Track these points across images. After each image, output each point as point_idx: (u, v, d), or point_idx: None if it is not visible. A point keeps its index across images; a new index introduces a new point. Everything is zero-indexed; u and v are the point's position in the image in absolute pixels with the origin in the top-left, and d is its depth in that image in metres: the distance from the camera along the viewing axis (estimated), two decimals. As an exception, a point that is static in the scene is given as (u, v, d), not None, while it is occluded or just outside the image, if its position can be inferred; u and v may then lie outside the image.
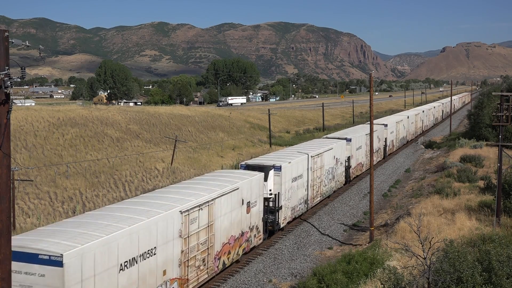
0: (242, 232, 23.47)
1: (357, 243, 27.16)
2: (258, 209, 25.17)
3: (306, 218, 32.21)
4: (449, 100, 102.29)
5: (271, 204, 27.00)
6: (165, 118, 75.06)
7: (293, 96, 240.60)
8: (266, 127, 79.36)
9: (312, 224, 31.16)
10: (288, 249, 26.68)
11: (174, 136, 57.74)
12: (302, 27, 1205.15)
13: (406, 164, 54.41)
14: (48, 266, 13.16)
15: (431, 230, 21.71)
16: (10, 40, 8.41)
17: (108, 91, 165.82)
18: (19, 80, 8.59)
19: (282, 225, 28.12)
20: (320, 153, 33.77)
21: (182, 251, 18.37)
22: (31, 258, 13.23)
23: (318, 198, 34.05)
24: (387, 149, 55.14)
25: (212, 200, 20.48)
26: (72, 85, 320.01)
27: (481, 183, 33.95)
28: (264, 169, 26.82)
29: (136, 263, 15.81)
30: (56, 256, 13.15)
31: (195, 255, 19.35)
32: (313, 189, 32.72)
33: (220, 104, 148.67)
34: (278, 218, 27.42)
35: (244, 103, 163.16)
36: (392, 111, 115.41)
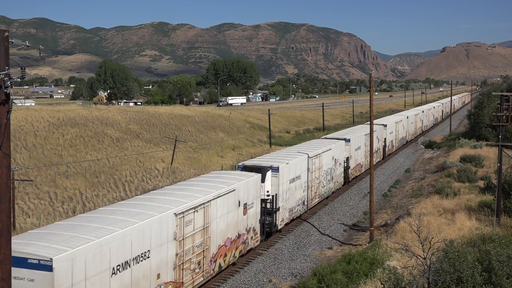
0: (238, 234, 23.15)
1: (357, 243, 27.16)
2: (255, 211, 24.85)
3: (306, 218, 32.21)
4: (449, 100, 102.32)
5: (268, 205, 26.71)
6: (165, 118, 75.06)
7: (293, 96, 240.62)
8: (266, 127, 79.37)
9: (312, 224, 31.15)
10: (288, 249, 26.68)
11: (174, 136, 57.74)
12: (302, 27, 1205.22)
13: (406, 164, 54.41)
14: (37, 271, 12.83)
15: (431, 230, 21.71)
16: (10, 40, 8.41)
17: (108, 91, 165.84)
18: (19, 80, 8.59)
19: (279, 227, 27.85)
20: (319, 154, 33.52)
21: (176, 254, 18.07)
22: (20, 262, 12.78)
23: (317, 199, 33.83)
24: (386, 150, 54.95)
25: (208, 202, 20.18)
26: (72, 85, 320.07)
27: (481, 183, 33.96)
28: (261, 170, 26.54)
29: (129, 266, 15.52)
30: (45, 260, 12.81)
31: (190, 258, 19.06)
32: (311, 190, 32.47)
33: (220, 104, 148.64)
34: (276, 219, 27.12)
35: (244, 103, 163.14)
36: (392, 111, 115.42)
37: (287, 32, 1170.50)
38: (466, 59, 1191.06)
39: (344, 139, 40.57)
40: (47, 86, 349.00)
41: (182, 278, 18.56)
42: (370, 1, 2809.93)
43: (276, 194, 27.03)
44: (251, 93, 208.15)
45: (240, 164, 28.45)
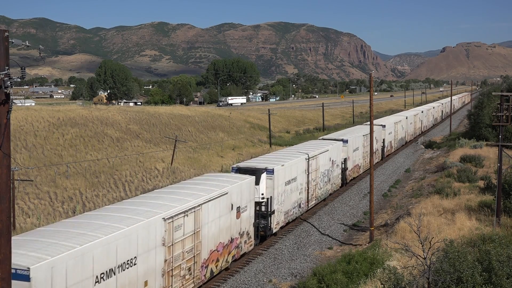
0: (231, 238, 22.52)
1: (357, 243, 27.16)
2: (248, 214, 24.23)
3: (306, 218, 32.20)
4: (449, 100, 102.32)
5: (263, 208, 26.15)
6: (165, 118, 75.07)
7: (293, 96, 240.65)
8: (266, 127, 79.37)
9: (312, 224, 31.15)
10: (288, 249, 26.68)
11: (174, 136, 57.75)
12: (302, 27, 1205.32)
13: (406, 164, 54.41)
14: (14, 281, 12.06)
15: (431, 230, 21.72)
16: (10, 40, 8.41)
17: (108, 91, 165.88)
18: (19, 80, 8.58)
19: (274, 230, 27.29)
20: (315, 155, 32.98)
21: (165, 260, 17.49)
22: None
23: (313, 202, 33.30)
24: (385, 150, 54.46)
25: (199, 206, 19.57)
26: (72, 85, 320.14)
27: (481, 183, 33.96)
28: (256, 172, 26.02)
29: (114, 274, 14.93)
30: (22, 269, 12.20)
31: (180, 264, 18.45)
32: (307, 193, 31.93)
33: (220, 104, 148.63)
34: (271, 223, 26.56)
35: (244, 103, 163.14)
36: (392, 111, 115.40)
37: (287, 32, 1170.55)
38: (466, 59, 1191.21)
39: (342, 140, 40.05)
40: (47, 86, 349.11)
41: (171, 285, 17.99)
42: (370, 1, 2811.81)
43: (271, 196, 26.48)
44: (251, 93, 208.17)
45: (234, 166, 27.79)
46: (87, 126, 60.90)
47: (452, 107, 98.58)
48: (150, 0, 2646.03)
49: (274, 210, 26.79)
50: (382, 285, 15.54)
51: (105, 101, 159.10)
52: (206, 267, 20.47)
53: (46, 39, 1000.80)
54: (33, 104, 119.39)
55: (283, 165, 27.80)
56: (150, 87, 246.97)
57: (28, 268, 12.23)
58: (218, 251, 21.40)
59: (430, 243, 15.09)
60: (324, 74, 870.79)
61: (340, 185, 39.20)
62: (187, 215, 18.75)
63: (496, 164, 28.25)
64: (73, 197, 39.08)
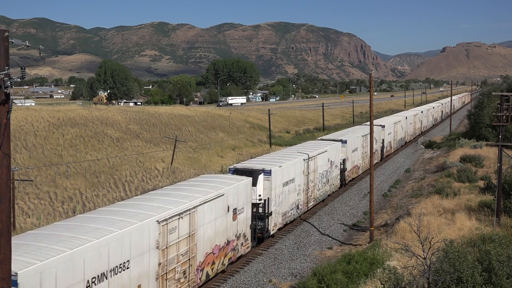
0: (227, 240, 22.20)
1: (357, 243, 27.17)
2: (245, 216, 23.87)
3: (306, 218, 32.19)
4: (449, 100, 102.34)
5: (260, 210, 25.82)
6: (165, 118, 75.07)
7: (293, 96, 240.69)
8: (266, 127, 79.38)
9: (312, 224, 31.15)
10: (288, 249, 26.68)
11: (174, 136, 57.75)
12: (302, 27, 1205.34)
13: (406, 164, 54.41)
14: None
15: (431, 230, 21.72)
16: (10, 40, 8.41)
17: (108, 91, 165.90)
18: (19, 80, 8.58)
19: (272, 232, 26.96)
20: (314, 156, 32.62)
21: (159, 264, 17.17)
22: None
23: (312, 203, 32.97)
24: (385, 151, 54.14)
25: (194, 208, 19.21)
26: (72, 85, 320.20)
27: (481, 183, 33.97)
28: (253, 173, 25.75)
29: (106, 278, 14.63)
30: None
31: (175, 267, 18.11)
32: (306, 194, 31.59)
33: (220, 104, 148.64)
34: (268, 224, 26.30)
35: (244, 103, 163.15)
36: (392, 111, 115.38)
37: (287, 32, 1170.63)
38: (466, 59, 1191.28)
39: (341, 141, 39.71)
40: (47, 86, 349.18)
41: None
42: (370, 1, 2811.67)
43: (268, 198, 26.15)
44: (251, 93, 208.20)
45: (231, 167, 27.47)
46: (87, 126, 60.91)
47: (452, 107, 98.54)
48: (150, 0, 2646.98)
49: (271, 212, 26.46)
50: (382, 285, 15.54)
51: (105, 101, 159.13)
52: (202, 270, 20.15)
53: (46, 39, 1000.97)
54: (33, 104, 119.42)
55: (280, 166, 27.49)
56: (150, 87, 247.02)
57: (16, 273, 11.83)
58: (214, 254, 21.10)
59: (430, 243, 15.10)
60: (324, 74, 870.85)
61: (338, 186, 38.91)
62: (182, 217, 18.43)
63: (496, 164, 28.26)
64: (73, 197, 39.09)
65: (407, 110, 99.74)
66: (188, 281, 19.17)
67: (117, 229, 15.38)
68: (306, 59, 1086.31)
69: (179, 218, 18.26)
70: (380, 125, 52.98)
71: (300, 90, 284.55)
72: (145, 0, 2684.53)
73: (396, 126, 60.63)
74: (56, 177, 42.73)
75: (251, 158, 44.15)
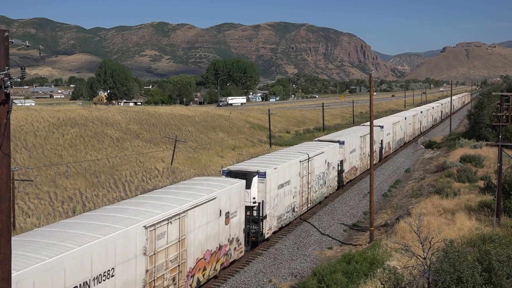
0: (220, 245, 21.56)
1: (357, 243, 27.17)
2: (238, 220, 23.20)
3: (306, 218, 32.19)
4: (448, 100, 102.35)
5: (254, 213, 25.20)
6: (165, 118, 75.08)
7: (293, 96, 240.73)
8: (266, 127, 79.39)
9: (312, 224, 31.16)
10: (288, 249, 26.68)
11: (174, 136, 57.76)
12: (302, 27, 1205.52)
13: (406, 164, 54.42)
14: None
15: (431, 230, 21.72)
16: (10, 40, 8.41)
17: (108, 91, 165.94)
18: (19, 80, 8.58)
19: (267, 236, 26.31)
20: (310, 157, 31.99)
21: (147, 271, 16.58)
22: None
23: (308, 205, 32.48)
24: (383, 152, 53.57)
25: (184, 212, 18.57)
26: (72, 85, 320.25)
27: (481, 183, 33.97)
28: (247, 175, 25.16)
29: (89, 287, 14.13)
30: None
31: (163, 274, 17.48)
32: (302, 196, 30.99)
33: (220, 104, 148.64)
34: (263, 228, 25.67)
35: (244, 103, 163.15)
36: (392, 111, 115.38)
37: (287, 32, 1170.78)
38: (466, 59, 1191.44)
39: (338, 142, 39.08)
40: (47, 86, 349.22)
41: None
42: (370, 1, 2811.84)
43: (263, 201, 25.56)
44: (251, 93, 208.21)
45: (225, 169, 26.87)
46: (87, 126, 60.92)
47: (452, 107, 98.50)
48: (150, 0, 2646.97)
49: (266, 215, 25.90)
50: (382, 285, 15.55)
51: (105, 101, 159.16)
52: (192, 276, 19.52)
53: (46, 39, 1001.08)
54: (33, 104, 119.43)
55: (275, 168, 26.93)
56: (150, 87, 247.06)
57: None
58: (205, 259, 20.48)
59: (430, 243, 15.10)
60: (324, 74, 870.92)
61: (336, 188, 38.30)
62: (171, 222, 17.83)
63: (496, 164, 28.26)
64: (73, 197, 39.09)
65: (406, 110, 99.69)
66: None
67: (101, 235, 14.86)
68: (306, 59, 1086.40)
69: (168, 223, 17.68)
70: (379, 126, 52.39)
71: (300, 90, 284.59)
72: (145, 0, 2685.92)
73: (395, 126, 60.24)
74: (56, 177, 42.74)
75: (251, 158, 44.14)
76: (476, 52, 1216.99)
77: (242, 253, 24.08)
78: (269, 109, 78.86)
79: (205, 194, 20.46)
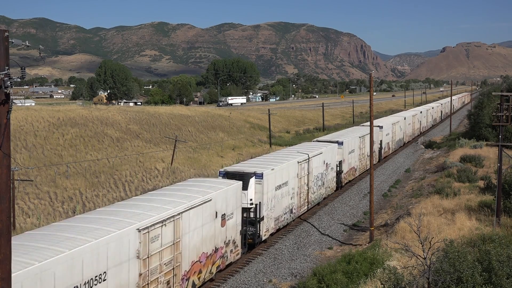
0: (215, 248, 21.23)
1: (357, 243, 27.17)
2: (235, 222, 22.85)
3: (306, 218, 32.19)
4: (448, 100, 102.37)
5: (251, 214, 24.85)
6: (165, 118, 75.09)
7: (293, 96, 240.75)
8: (266, 127, 79.40)
9: (312, 224, 31.16)
10: (288, 249, 26.68)
11: (174, 136, 57.77)
12: (302, 27, 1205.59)
13: (406, 164, 54.42)
14: None
15: (431, 230, 21.73)
16: (10, 40, 8.41)
17: (108, 91, 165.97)
18: (19, 80, 8.58)
19: (264, 237, 26.01)
20: (309, 158, 31.73)
21: (140, 274, 16.27)
22: None
23: (306, 207, 32.09)
24: (382, 152, 53.25)
25: (178, 214, 18.25)
26: (72, 85, 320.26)
27: (481, 183, 33.98)
28: (244, 176, 24.86)
29: None
30: None
31: (157, 278, 17.20)
32: (300, 197, 30.71)
33: (220, 104, 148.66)
34: (260, 230, 25.36)
35: (244, 103, 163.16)
36: (392, 111, 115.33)
37: (287, 32, 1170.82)
38: (466, 59, 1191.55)
39: (337, 142, 38.77)
40: (47, 86, 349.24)
41: None
42: (370, 1, 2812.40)
43: (260, 202, 25.26)
44: (251, 93, 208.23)
45: (221, 170, 26.43)
46: (87, 126, 60.92)
47: (452, 107, 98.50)
48: (150, 0, 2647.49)
49: (263, 217, 25.61)
50: (382, 285, 15.55)
51: (105, 101, 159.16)
52: (187, 279, 19.20)
53: (46, 39, 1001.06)
54: (33, 104, 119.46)
55: (273, 169, 26.64)
56: (150, 87, 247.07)
57: None
58: (200, 262, 20.16)
59: (430, 243, 15.10)
60: (324, 74, 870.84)
61: (334, 189, 38.09)
62: (165, 224, 17.54)
63: (496, 164, 28.26)
64: (73, 197, 39.10)
65: (406, 110, 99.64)
66: None
67: (92, 238, 14.60)
68: (306, 59, 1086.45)
69: (162, 226, 17.39)
70: (378, 126, 52.02)
71: (300, 90, 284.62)
72: (145, 0, 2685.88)
73: (394, 127, 59.96)
74: (56, 177, 42.74)
75: (251, 158, 44.11)
76: (476, 52, 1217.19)
77: (239, 256, 23.80)
78: (269, 109, 78.88)
79: (201, 196, 20.17)
